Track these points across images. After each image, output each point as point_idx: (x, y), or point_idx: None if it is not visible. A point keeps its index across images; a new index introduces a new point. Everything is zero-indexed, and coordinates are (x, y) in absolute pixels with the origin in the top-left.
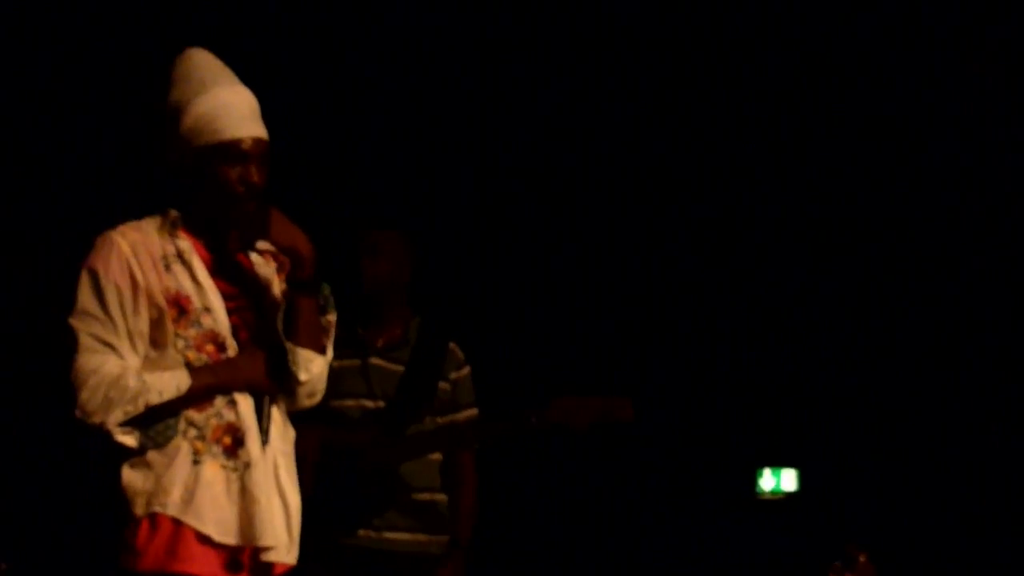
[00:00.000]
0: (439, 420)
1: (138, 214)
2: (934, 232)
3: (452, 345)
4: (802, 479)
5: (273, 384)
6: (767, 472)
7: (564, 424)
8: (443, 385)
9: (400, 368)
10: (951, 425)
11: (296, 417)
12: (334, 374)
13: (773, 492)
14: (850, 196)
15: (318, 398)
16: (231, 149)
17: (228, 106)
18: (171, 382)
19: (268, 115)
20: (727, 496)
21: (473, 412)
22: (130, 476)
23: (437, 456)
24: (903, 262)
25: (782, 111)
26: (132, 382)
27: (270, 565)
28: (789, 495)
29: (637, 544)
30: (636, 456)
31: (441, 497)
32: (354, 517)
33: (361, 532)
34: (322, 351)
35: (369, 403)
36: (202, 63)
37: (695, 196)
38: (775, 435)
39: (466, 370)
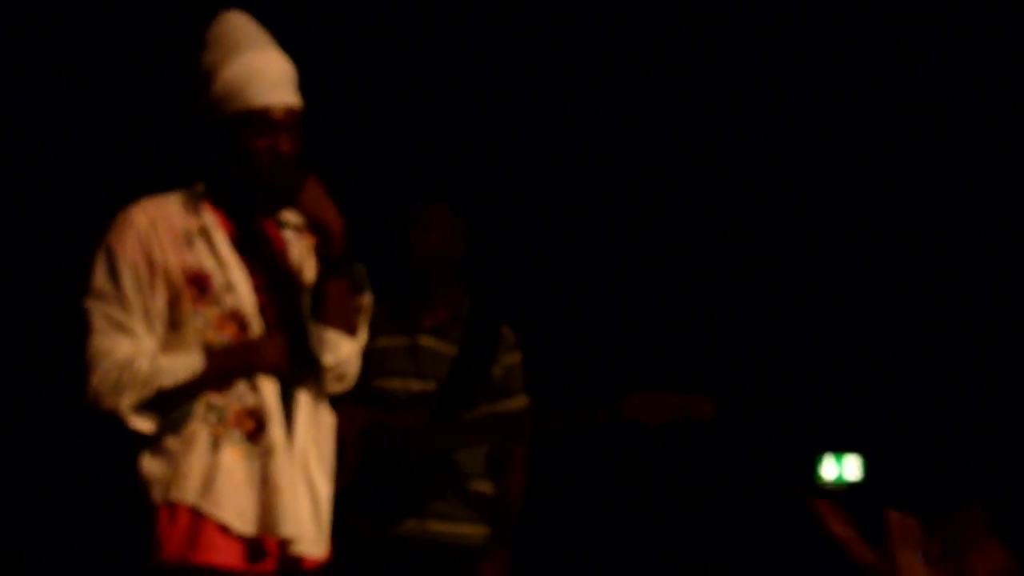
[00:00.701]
0: (495, 407)
1: (166, 189)
2: (1002, 212)
3: (504, 328)
4: (867, 467)
5: (296, 367)
6: (829, 459)
7: (637, 421)
8: (495, 370)
9: (452, 349)
10: None
11: (337, 397)
12: (380, 352)
13: (836, 482)
14: (917, 181)
15: (349, 383)
16: (260, 117)
17: (259, 72)
18: (185, 365)
19: (314, 83)
20: (784, 486)
21: (524, 400)
22: (148, 463)
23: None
24: (971, 241)
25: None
26: (144, 365)
27: (299, 557)
28: (852, 485)
29: (690, 535)
30: (688, 442)
31: (487, 486)
32: (398, 506)
33: (406, 522)
34: (352, 333)
35: (417, 384)
36: (237, 26)
37: (759, 180)
38: (837, 418)
39: (518, 355)
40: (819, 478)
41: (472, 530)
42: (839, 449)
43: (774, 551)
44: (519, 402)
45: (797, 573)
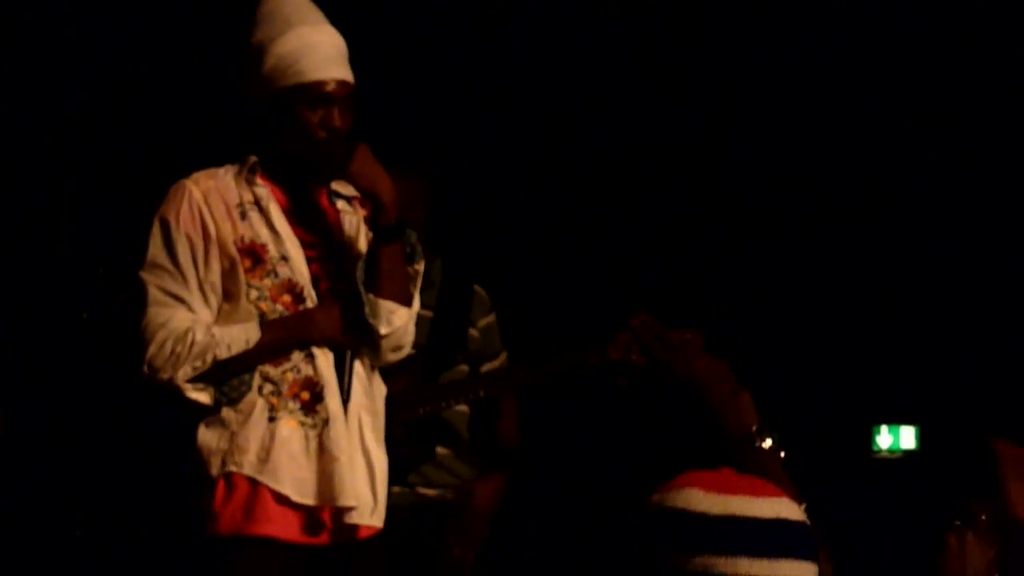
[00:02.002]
0: (480, 370)
1: (216, 160)
2: None
3: (478, 288)
4: (921, 437)
5: (352, 338)
6: (884, 429)
7: (625, 361)
8: (472, 332)
9: (427, 312)
10: None
11: None
12: None
13: (891, 450)
14: (974, 159)
15: (405, 352)
16: (314, 91)
17: (313, 46)
18: (240, 336)
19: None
20: (842, 454)
21: (504, 358)
22: (205, 435)
23: (464, 408)
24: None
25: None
26: (200, 336)
27: (354, 527)
28: (908, 452)
29: None
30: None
31: (469, 447)
32: (394, 471)
33: (395, 488)
34: (407, 302)
35: None
36: (289, 1)
37: (810, 132)
38: (893, 390)
39: (493, 316)
40: (876, 446)
41: (449, 489)
42: (895, 421)
43: (828, 524)
44: (501, 361)
45: (854, 542)
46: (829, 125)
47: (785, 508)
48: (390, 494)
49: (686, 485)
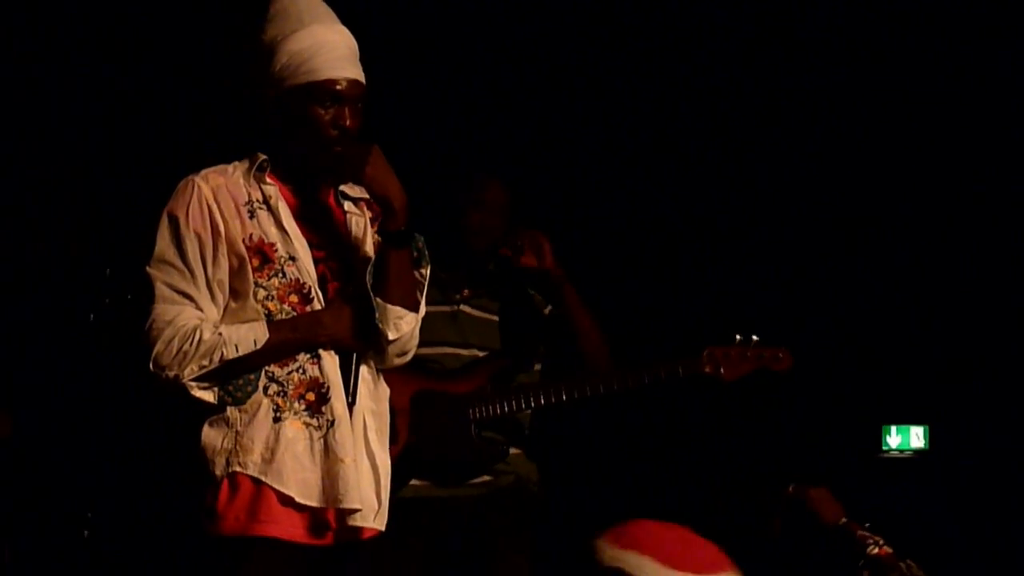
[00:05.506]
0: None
1: (225, 158)
2: None
3: (532, 291)
4: (931, 436)
5: (359, 341)
6: (894, 429)
7: (715, 375)
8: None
9: (492, 316)
10: None
11: None
12: (423, 320)
13: (900, 449)
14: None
15: (409, 356)
16: (326, 90)
17: (325, 45)
18: (248, 335)
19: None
20: (851, 454)
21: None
22: (209, 434)
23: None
24: None
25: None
26: (208, 335)
27: (358, 529)
28: (917, 452)
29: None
30: (754, 412)
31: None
32: (462, 469)
33: (467, 485)
34: (414, 308)
35: (463, 352)
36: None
37: (829, 139)
38: (902, 390)
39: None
40: (885, 445)
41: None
42: (904, 421)
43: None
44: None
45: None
46: (841, 126)
47: None
48: (470, 487)
49: (642, 551)
